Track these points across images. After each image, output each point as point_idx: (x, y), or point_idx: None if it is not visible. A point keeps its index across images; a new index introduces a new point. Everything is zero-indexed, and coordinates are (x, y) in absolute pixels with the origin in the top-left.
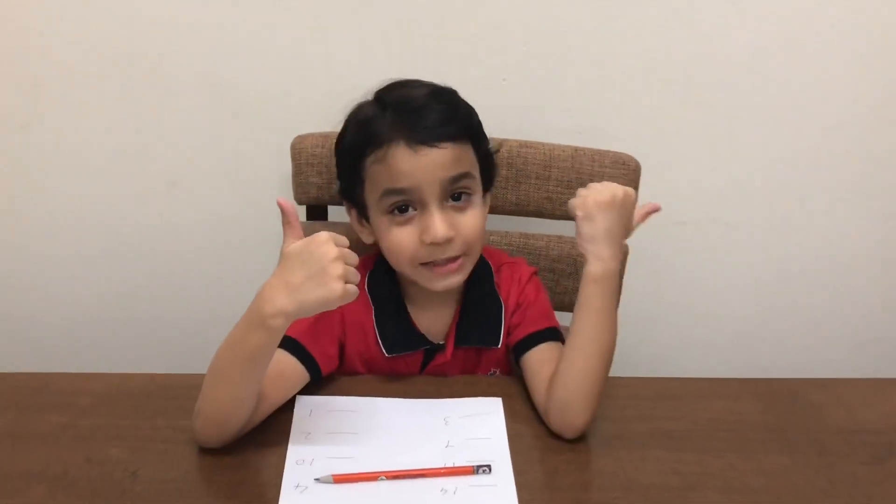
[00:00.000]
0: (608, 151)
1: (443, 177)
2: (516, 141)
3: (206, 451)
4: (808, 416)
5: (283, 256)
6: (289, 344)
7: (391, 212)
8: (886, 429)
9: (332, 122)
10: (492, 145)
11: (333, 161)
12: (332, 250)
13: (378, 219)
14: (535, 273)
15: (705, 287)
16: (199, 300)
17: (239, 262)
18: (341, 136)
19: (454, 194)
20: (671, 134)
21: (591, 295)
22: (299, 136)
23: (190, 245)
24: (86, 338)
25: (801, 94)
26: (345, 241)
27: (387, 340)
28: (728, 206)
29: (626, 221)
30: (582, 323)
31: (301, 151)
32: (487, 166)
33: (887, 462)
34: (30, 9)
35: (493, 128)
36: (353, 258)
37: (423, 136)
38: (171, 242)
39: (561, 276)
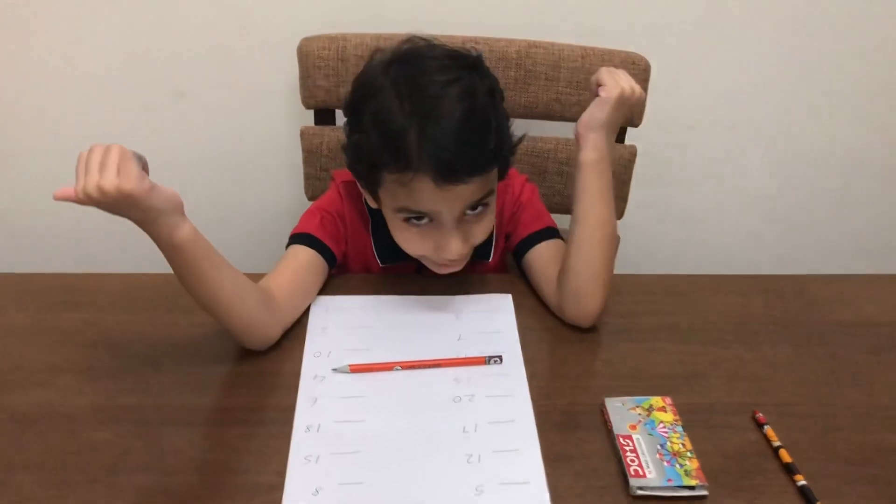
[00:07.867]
0: (618, 51)
1: (466, 204)
2: (525, 41)
3: (226, 346)
4: (812, 311)
5: None
6: (304, 238)
7: (406, 220)
8: (888, 321)
9: (338, 24)
10: (514, 133)
11: (340, 64)
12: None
13: (390, 213)
14: (528, 180)
15: (712, 190)
16: (209, 206)
17: (249, 169)
18: (355, 108)
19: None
20: (678, 35)
21: (589, 180)
22: (305, 39)
23: (198, 155)
24: (92, 240)
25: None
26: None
27: (382, 251)
28: (735, 110)
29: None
30: (584, 210)
31: (308, 54)
32: (506, 164)
33: (888, 353)
34: None
35: (500, 28)
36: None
37: (452, 178)
38: (179, 153)
39: (569, 180)
